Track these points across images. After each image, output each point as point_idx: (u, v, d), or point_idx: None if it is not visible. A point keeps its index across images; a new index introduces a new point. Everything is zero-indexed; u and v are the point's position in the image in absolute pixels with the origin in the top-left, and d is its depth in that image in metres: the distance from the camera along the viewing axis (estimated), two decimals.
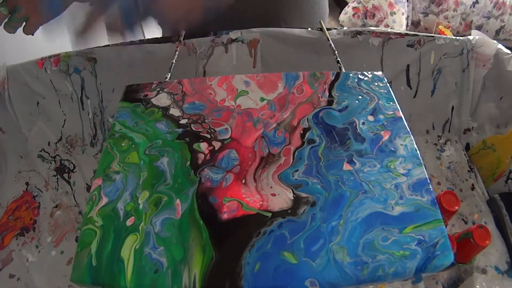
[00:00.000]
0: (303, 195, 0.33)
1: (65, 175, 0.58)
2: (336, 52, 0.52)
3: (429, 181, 0.34)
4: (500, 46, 0.54)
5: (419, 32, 0.65)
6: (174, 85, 0.45)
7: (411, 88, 0.60)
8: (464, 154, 0.58)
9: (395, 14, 1.51)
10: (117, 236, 0.32)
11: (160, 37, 0.58)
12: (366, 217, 0.32)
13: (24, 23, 0.43)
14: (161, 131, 0.40)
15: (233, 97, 0.43)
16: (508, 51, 0.54)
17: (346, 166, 0.35)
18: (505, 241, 0.46)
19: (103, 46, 0.58)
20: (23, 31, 0.43)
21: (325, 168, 0.35)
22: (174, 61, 0.53)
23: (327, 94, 0.42)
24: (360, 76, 0.44)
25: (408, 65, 0.59)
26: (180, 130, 0.40)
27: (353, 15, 1.57)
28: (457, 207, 0.40)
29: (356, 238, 0.31)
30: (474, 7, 1.53)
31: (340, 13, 1.68)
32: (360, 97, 0.42)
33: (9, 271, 0.48)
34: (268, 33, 0.58)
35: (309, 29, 0.58)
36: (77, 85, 0.59)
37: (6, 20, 0.42)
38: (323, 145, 0.37)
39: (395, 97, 0.41)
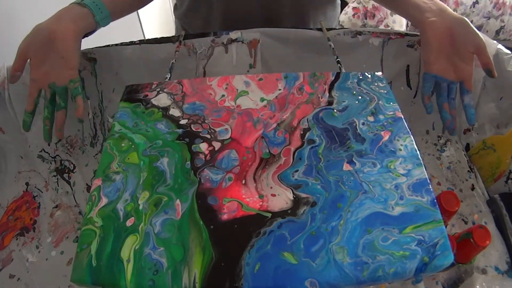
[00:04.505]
0: (303, 195, 0.33)
1: (65, 175, 0.58)
2: (336, 52, 0.52)
3: (429, 181, 0.34)
4: (500, 46, 0.54)
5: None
6: (174, 85, 0.45)
7: (411, 88, 0.60)
8: (464, 154, 0.58)
9: (395, 14, 1.50)
10: (117, 237, 0.32)
11: (160, 37, 0.58)
12: (366, 218, 0.32)
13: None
14: (161, 131, 0.40)
15: (233, 98, 0.43)
16: (508, 51, 0.54)
17: (346, 167, 0.35)
18: (505, 241, 0.46)
19: (103, 46, 0.58)
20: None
21: (325, 169, 0.35)
22: (174, 61, 0.53)
23: (327, 94, 0.42)
24: (360, 77, 0.44)
25: (408, 65, 0.59)
26: (180, 130, 0.40)
27: (353, 15, 1.57)
28: (457, 208, 0.40)
29: (356, 239, 0.31)
30: (474, 7, 1.52)
31: (340, 13, 1.68)
32: (360, 97, 0.42)
33: (9, 271, 0.48)
34: (268, 33, 0.58)
35: (309, 29, 0.58)
36: None
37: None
38: (323, 146, 0.37)
39: (395, 97, 0.41)
